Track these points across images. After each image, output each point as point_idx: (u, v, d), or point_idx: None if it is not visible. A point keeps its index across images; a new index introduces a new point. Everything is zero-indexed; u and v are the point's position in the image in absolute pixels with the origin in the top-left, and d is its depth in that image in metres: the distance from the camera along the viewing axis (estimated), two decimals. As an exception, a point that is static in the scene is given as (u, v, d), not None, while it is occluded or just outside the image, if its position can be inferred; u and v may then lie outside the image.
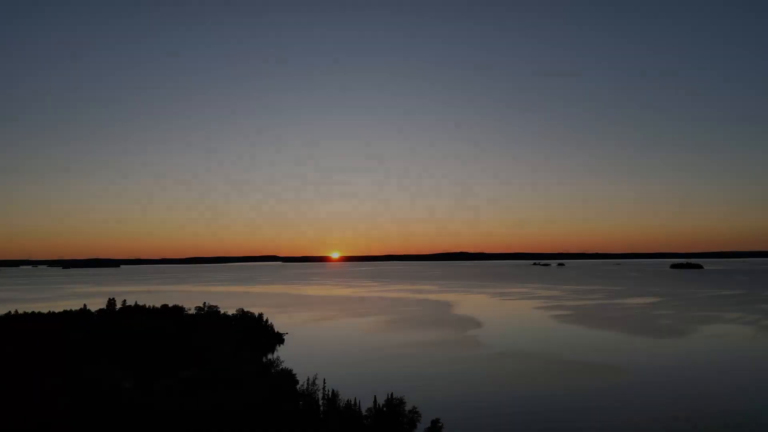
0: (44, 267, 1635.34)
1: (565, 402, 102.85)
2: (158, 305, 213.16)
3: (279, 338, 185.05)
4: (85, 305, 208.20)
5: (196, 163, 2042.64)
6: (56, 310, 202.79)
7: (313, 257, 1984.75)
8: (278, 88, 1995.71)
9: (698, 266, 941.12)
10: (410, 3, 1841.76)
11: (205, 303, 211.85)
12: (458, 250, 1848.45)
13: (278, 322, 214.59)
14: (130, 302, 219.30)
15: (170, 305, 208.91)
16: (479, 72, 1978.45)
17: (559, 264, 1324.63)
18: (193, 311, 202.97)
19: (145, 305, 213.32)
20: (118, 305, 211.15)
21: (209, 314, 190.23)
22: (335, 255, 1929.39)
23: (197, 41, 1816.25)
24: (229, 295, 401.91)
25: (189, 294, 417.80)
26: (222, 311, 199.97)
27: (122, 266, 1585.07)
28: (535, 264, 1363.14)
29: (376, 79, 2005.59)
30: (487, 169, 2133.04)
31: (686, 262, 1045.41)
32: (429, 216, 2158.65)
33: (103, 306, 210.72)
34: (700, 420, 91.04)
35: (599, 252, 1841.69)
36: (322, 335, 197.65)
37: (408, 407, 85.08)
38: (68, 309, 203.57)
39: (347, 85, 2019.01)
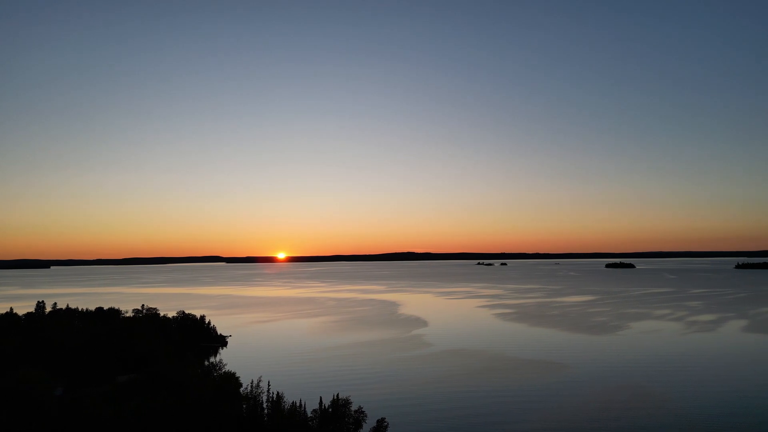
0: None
1: (508, 397, 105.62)
2: (92, 308, 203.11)
3: (222, 341, 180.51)
4: (11, 309, 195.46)
5: (133, 160, 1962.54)
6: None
7: (258, 258, 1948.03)
8: (227, 88, 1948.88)
9: (630, 266, 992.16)
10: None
11: (143, 305, 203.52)
12: (405, 250, 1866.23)
13: (221, 324, 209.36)
14: (62, 305, 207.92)
15: (105, 308, 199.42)
16: (434, 74, 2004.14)
17: (502, 263, 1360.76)
18: (130, 314, 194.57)
19: (77, 308, 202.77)
20: (48, 309, 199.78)
21: (148, 317, 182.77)
22: (281, 255, 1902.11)
23: (144, 39, 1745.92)
24: (170, 297, 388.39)
25: (126, 296, 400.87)
26: (162, 314, 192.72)
27: (52, 267, 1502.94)
28: (479, 264, 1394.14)
29: (325, 80, 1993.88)
30: (434, 172, 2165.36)
31: (620, 261, 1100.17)
32: (377, 216, 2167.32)
33: (32, 309, 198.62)
34: (633, 409, 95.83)
35: (539, 252, 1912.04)
36: (267, 337, 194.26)
37: (354, 407, 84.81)
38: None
39: (295, 85, 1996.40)
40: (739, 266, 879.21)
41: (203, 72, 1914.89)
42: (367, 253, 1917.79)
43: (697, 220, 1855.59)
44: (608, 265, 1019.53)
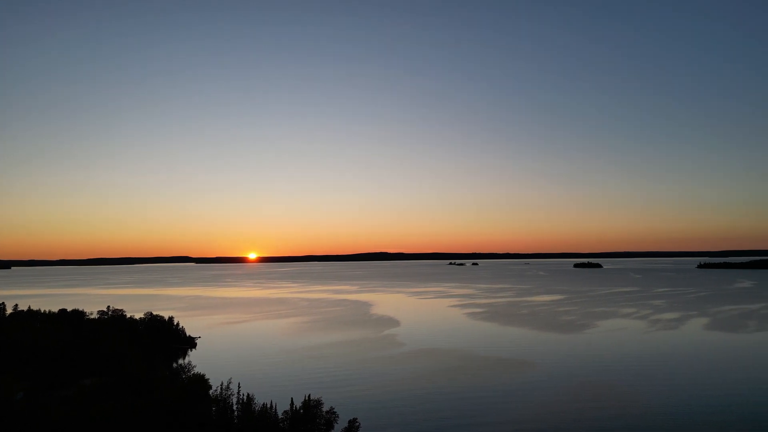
0: None
1: (479, 396, 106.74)
2: (55, 310, 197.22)
3: (191, 342, 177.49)
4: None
5: (97, 158, 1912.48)
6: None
7: (228, 258, 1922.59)
8: (197, 88, 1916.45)
9: (598, 265, 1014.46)
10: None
11: (109, 307, 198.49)
12: (378, 251, 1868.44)
13: (190, 325, 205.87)
14: (23, 307, 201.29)
15: (69, 310, 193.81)
16: (404, 73, 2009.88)
17: (474, 263, 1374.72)
18: (95, 316, 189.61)
19: (40, 310, 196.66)
20: (9, 310, 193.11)
21: (114, 319, 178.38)
22: (252, 256, 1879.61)
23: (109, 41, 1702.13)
24: (136, 298, 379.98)
25: (91, 297, 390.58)
26: (129, 315, 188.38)
27: (13, 268, 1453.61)
28: (451, 263, 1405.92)
29: (297, 80, 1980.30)
30: (406, 172, 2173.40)
31: (587, 261, 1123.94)
32: (349, 217, 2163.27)
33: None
34: (600, 405, 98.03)
35: (510, 252, 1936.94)
36: (237, 338, 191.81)
37: (325, 408, 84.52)
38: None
39: (267, 86, 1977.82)
40: (700, 266, 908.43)
41: (174, 72, 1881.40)
42: (340, 254, 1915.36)
43: (661, 221, 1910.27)
44: (576, 265, 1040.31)
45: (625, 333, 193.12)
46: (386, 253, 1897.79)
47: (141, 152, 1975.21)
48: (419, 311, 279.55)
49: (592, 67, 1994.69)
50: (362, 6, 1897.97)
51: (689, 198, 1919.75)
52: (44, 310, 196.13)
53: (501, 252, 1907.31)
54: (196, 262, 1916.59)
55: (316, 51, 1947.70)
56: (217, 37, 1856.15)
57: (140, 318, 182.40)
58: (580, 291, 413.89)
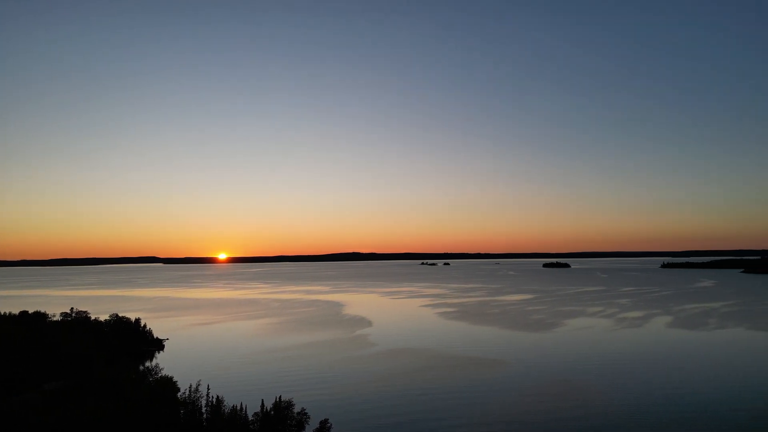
0: None
1: (450, 395, 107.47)
2: (15, 312, 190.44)
3: (158, 344, 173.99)
4: None
5: (59, 154, 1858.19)
6: None
7: (197, 258, 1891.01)
8: (166, 85, 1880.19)
9: (566, 265, 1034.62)
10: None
11: (72, 308, 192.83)
12: (350, 251, 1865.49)
13: (158, 327, 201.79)
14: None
15: (30, 312, 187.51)
16: (376, 74, 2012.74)
17: (445, 263, 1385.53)
18: (58, 318, 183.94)
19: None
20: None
21: (78, 321, 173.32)
22: (222, 256, 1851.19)
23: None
24: (102, 300, 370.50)
25: (53, 299, 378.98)
26: (93, 317, 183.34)
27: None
28: (423, 263, 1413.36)
29: (268, 79, 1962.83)
30: (378, 173, 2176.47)
31: (556, 261, 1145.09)
32: (321, 217, 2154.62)
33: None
34: (568, 401, 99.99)
35: (481, 252, 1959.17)
36: (206, 340, 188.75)
37: (297, 409, 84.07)
38: None
39: (238, 84, 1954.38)
40: (664, 266, 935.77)
41: (141, 72, 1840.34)
42: (312, 254, 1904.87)
43: (627, 222, 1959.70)
44: (545, 265, 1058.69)
45: (592, 331, 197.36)
46: (358, 253, 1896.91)
47: (105, 150, 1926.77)
48: (391, 311, 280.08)
49: (565, 67, 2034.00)
50: (335, 4, 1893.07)
51: (653, 200, 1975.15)
52: (3, 312, 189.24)
53: (472, 252, 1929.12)
54: (165, 263, 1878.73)
55: (289, 51, 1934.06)
56: (192, 38, 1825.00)
57: (105, 320, 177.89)
58: (549, 290, 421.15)
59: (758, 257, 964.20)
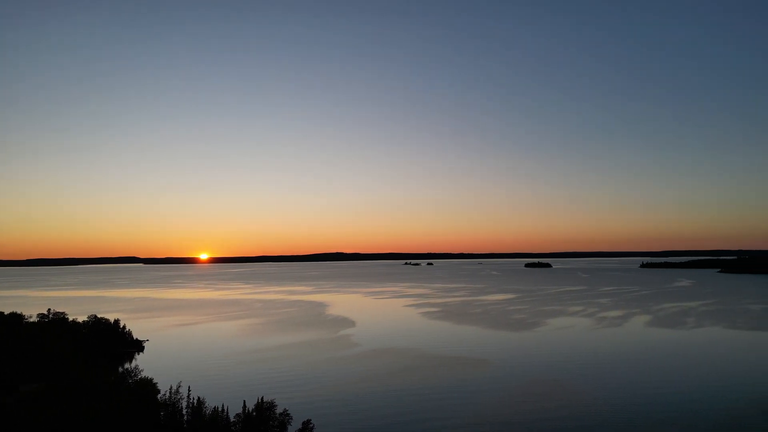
0: None
1: (433, 394, 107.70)
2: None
3: (138, 346, 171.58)
4: None
5: (36, 150, 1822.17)
6: None
7: (178, 258, 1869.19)
8: (145, 81, 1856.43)
9: (548, 265, 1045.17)
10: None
11: (50, 309, 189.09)
12: (334, 251, 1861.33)
13: (137, 328, 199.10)
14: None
15: (6, 312, 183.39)
16: (355, 72, 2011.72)
17: (429, 263, 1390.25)
18: (35, 319, 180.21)
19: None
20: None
21: (55, 322, 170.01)
22: (204, 256, 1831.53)
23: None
24: (80, 300, 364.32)
25: (30, 300, 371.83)
26: (71, 318, 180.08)
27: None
28: (406, 263, 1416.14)
29: (249, 77, 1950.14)
30: (362, 172, 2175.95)
31: (538, 261, 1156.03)
32: (305, 217, 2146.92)
33: None
34: (549, 400, 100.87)
35: (464, 252, 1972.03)
36: (187, 341, 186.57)
37: (279, 410, 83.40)
38: None
39: (218, 82, 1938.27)
40: (643, 265, 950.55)
41: (118, 68, 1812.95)
42: (295, 254, 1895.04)
43: (607, 223, 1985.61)
44: (527, 265, 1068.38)
45: (574, 331, 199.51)
46: (342, 253, 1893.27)
47: (83, 148, 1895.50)
48: (375, 311, 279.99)
49: (552, 66, 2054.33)
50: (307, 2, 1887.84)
51: (633, 202, 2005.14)
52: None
53: (455, 252, 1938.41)
54: (145, 263, 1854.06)
55: (272, 50, 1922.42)
56: (177, 38, 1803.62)
57: (84, 321, 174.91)
58: (531, 290, 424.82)
59: (734, 257, 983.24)
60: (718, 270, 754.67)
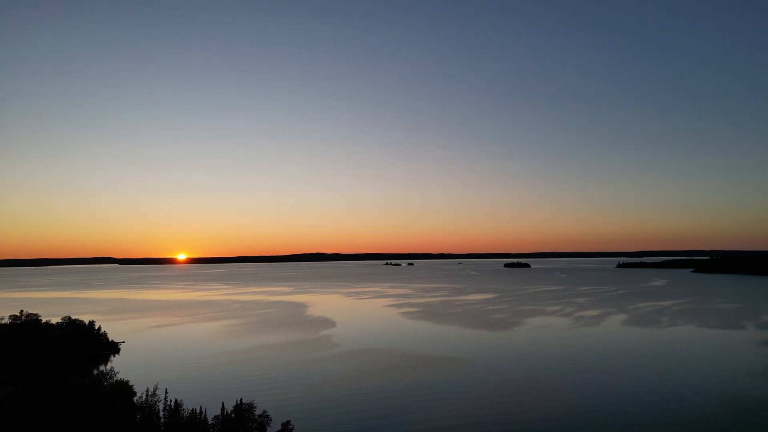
0: None
1: (413, 394, 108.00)
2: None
3: (114, 347, 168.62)
4: None
5: (7, 148, 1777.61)
6: None
7: (155, 259, 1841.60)
8: (123, 78, 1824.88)
9: (526, 265, 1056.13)
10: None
11: (22, 311, 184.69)
12: (314, 251, 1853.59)
13: (113, 329, 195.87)
14: None
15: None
16: (335, 72, 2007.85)
17: (409, 264, 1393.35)
18: (7, 321, 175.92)
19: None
20: None
21: (28, 324, 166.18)
22: (181, 257, 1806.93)
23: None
24: (53, 302, 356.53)
25: (1, 301, 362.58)
26: (44, 320, 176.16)
27: None
28: (387, 264, 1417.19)
29: (228, 76, 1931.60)
30: (342, 172, 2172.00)
31: (517, 261, 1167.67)
32: (284, 216, 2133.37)
33: None
34: (528, 399, 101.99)
35: (445, 252, 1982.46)
36: (164, 342, 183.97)
37: (258, 412, 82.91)
38: None
39: (196, 81, 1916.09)
40: (619, 265, 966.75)
41: (93, 65, 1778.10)
42: (275, 254, 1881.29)
43: (584, 223, 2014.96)
44: (506, 265, 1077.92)
45: (552, 330, 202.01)
46: (322, 253, 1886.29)
47: (56, 147, 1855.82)
48: (355, 312, 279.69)
49: (533, 69, 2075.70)
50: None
51: (610, 203, 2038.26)
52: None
53: (436, 252, 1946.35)
54: (121, 263, 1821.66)
55: (244, 49, 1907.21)
56: (158, 36, 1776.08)
57: (57, 323, 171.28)
58: (510, 290, 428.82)
59: (707, 257, 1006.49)
60: (692, 270, 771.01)
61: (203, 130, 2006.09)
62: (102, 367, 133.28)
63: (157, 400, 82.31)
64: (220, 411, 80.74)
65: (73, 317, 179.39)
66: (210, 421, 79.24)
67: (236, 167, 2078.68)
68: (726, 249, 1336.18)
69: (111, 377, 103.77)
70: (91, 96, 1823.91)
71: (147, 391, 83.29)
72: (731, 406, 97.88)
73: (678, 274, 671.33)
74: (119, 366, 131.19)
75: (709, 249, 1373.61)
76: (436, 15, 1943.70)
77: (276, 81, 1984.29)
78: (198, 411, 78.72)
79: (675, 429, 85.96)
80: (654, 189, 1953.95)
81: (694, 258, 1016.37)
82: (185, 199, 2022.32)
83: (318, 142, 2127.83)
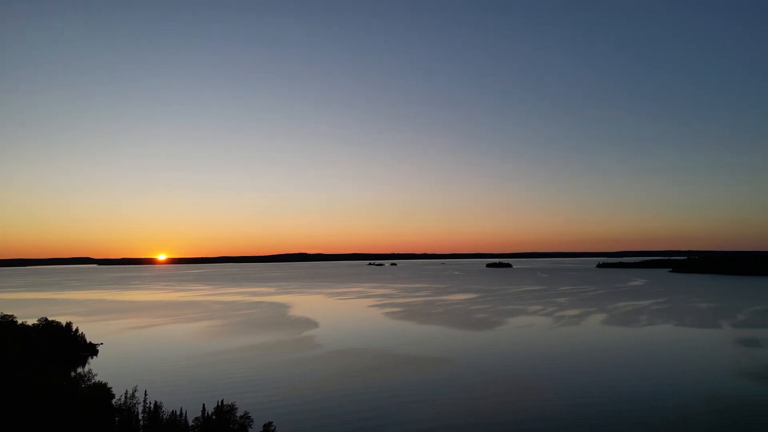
0: None
1: (396, 395, 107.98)
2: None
3: (92, 349, 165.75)
4: None
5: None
6: None
7: (135, 259, 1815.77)
8: (104, 75, 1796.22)
9: (508, 265, 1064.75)
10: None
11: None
12: (297, 251, 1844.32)
13: (91, 331, 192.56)
14: None
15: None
16: (318, 72, 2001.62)
17: (392, 264, 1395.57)
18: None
19: None
20: None
21: (2, 325, 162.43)
22: (162, 257, 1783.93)
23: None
24: (29, 303, 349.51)
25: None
26: (20, 321, 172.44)
27: None
28: (370, 264, 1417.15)
29: (211, 75, 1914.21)
30: (325, 172, 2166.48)
31: (499, 261, 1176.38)
32: (267, 216, 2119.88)
33: None
34: (510, 398, 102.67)
35: (427, 252, 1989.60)
36: (144, 344, 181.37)
37: (239, 413, 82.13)
38: None
39: (183, 79, 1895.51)
40: (599, 266, 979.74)
41: (72, 65, 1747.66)
42: (257, 255, 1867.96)
43: (565, 224, 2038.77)
44: (489, 265, 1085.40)
45: (533, 329, 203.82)
46: (305, 253, 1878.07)
47: (33, 145, 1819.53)
48: (338, 312, 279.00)
49: (508, 69, 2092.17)
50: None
51: (590, 204, 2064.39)
52: None
53: (419, 252, 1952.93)
54: (99, 264, 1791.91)
55: (230, 49, 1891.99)
56: (142, 35, 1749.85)
57: (33, 324, 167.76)
58: (492, 290, 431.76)
59: (684, 258, 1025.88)
60: (670, 270, 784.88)
61: (184, 130, 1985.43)
62: (80, 369, 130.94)
63: (137, 402, 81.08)
64: (200, 413, 79.82)
65: (49, 318, 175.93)
66: (190, 423, 78.32)
67: (217, 167, 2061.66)
68: (702, 249, 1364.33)
69: (89, 379, 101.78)
70: (67, 95, 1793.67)
71: (126, 393, 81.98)
72: (709, 405, 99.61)
73: (656, 274, 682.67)
74: (97, 368, 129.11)
75: (686, 249, 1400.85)
76: (423, 15, 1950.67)
77: (258, 81, 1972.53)
78: (178, 413, 77.73)
79: (655, 428, 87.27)
80: (633, 190, 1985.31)
81: (672, 258, 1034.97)
82: (166, 198, 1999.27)
83: (300, 143, 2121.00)
